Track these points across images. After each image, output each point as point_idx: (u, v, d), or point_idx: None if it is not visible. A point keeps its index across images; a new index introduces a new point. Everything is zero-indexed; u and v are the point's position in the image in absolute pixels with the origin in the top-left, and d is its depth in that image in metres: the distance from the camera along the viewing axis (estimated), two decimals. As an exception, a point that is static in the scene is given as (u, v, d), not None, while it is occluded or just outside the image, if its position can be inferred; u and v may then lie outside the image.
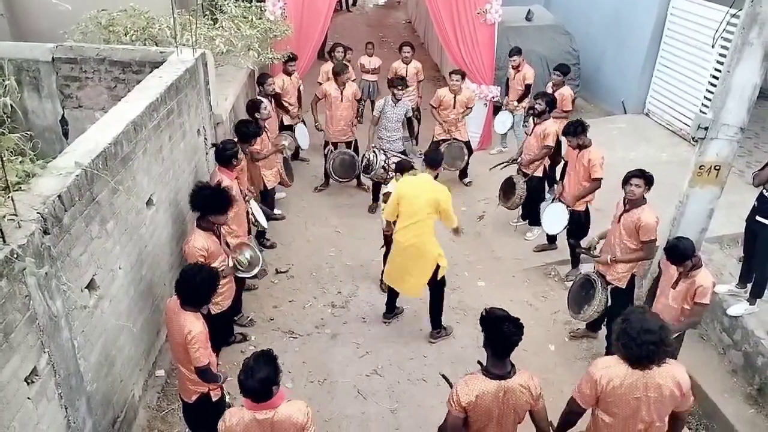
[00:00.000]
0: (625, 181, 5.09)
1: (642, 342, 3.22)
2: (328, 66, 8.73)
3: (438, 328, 5.84)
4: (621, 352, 3.33)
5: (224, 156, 5.36)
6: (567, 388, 5.32)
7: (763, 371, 5.17)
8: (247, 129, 6.03)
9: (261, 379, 3.10)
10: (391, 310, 6.09)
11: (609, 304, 5.36)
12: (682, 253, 4.44)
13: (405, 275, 5.63)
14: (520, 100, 8.82)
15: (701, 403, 5.21)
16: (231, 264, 4.95)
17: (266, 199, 6.98)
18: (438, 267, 5.49)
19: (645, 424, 3.41)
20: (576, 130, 6.15)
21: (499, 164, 7.49)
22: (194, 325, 3.79)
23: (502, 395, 3.32)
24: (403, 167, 5.98)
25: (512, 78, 8.90)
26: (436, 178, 5.50)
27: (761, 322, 5.41)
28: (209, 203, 4.64)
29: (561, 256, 7.05)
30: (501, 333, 3.29)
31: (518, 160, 7.34)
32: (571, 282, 6.35)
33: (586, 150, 6.18)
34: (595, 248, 5.64)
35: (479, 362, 3.46)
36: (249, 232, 6.09)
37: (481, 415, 3.34)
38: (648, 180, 5.04)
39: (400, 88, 7.65)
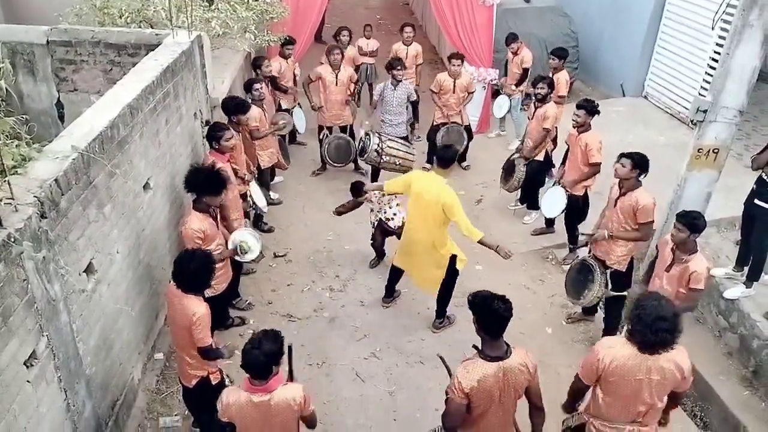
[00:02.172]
0: (617, 160, 5.11)
1: (656, 329, 3.26)
2: None
3: (442, 317, 5.82)
4: (635, 338, 3.36)
5: (208, 135, 5.38)
6: (564, 371, 5.37)
7: (759, 354, 5.21)
8: (229, 102, 5.95)
9: (266, 353, 3.15)
10: (391, 293, 6.11)
11: (609, 287, 5.37)
12: (694, 216, 4.42)
13: (415, 268, 5.61)
14: (518, 84, 8.76)
15: (697, 386, 5.25)
16: (230, 247, 4.97)
17: (261, 180, 6.96)
18: (454, 260, 5.43)
19: (646, 406, 3.45)
20: (591, 108, 6.12)
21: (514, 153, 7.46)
22: (199, 307, 3.81)
23: (502, 376, 3.33)
24: (356, 189, 6.03)
25: (511, 61, 8.84)
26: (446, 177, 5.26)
27: (757, 305, 5.45)
28: (203, 185, 4.64)
29: (559, 240, 7.06)
30: (493, 312, 3.31)
31: (521, 147, 7.32)
32: (569, 265, 6.37)
33: (585, 134, 6.16)
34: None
35: (474, 346, 3.46)
36: (247, 216, 6.09)
37: (483, 398, 3.35)
38: (636, 163, 4.98)
39: (399, 68, 7.59)
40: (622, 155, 5.08)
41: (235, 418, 3.28)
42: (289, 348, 3.52)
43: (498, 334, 3.36)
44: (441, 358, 4.10)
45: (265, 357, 3.15)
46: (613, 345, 3.46)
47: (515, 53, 8.68)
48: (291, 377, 3.59)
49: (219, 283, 4.94)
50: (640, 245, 5.33)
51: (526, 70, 8.65)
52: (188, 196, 5.58)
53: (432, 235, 5.28)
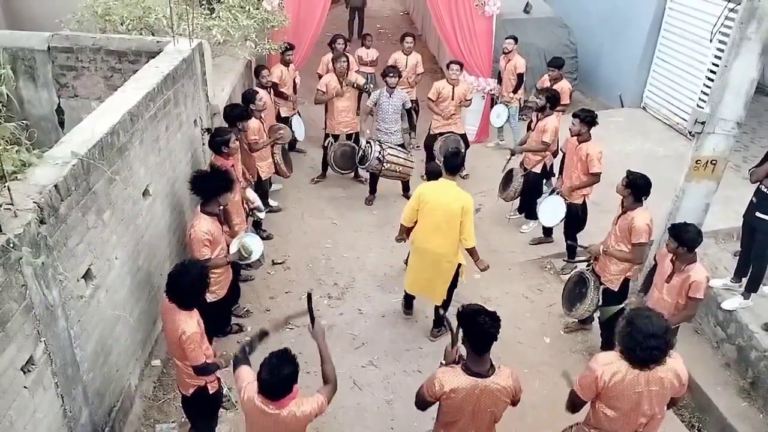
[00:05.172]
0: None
1: (647, 347, 3.24)
2: (328, 57, 8.68)
3: (440, 326, 5.80)
4: (625, 355, 3.34)
5: (213, 142, 5.41)
6: (561, 381, 5.34)
7: (756, 365, 5.20)
8: (232, 111, 6.00)
9: (283, 377, 3.09)
10: (410, 305, 6.06)
11: (600, 303, 5.38)
12: (682, 230, 4.42)
13: (430, 283, 5.57)
14: (514, 91, 8.80)
15: (694, 397, 5.25)
16: (235, 250, 4.98)
17: (260, 190, 6.97)
18: (458, 269, 5.47)
19: (647, 417, 3.45)
20: (587, 117, 6.14)
21: (506, 163, 7.45)
22: (188, 325, 3.75)
23: (477, 393, 3.28)
24: (434, 172, 6.00)
25: (503, 69, 8.87)
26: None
27: (755, 317, 5.45)
28: (215, 183, 4.67)
29: (557, 249, 7.07)
30: (478, 326, 3.27)
31: (515, 151, 7.29)
32: (567, 275, 6.38)
33: (585, 144, 6.18)
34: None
35: (461, 357, 3.43)
36: (249, 217, 6.11)
37: (452, 408, 3.33)
38: (628, 181, 5.00)
39: (392, 75, 7.57)
40: (627, 174, 5.08)
41: (246, 413, 3.28)
42: (309, 296, 3.63)
43: (482, 350, 3.31)
44: (447, 322, 3.89)
45: (282, 382, 3.10)
46: (611, 361, 3.42)
47: (507, 58, 8.71)
48: (312, 322, 3.63)
49: (220, 288, 4.95)
50: (636, 267, 5.31)
51: (520, 76, 8.68)
52: (188, 203, 5.60)
53: (449, 243, 5.28)
